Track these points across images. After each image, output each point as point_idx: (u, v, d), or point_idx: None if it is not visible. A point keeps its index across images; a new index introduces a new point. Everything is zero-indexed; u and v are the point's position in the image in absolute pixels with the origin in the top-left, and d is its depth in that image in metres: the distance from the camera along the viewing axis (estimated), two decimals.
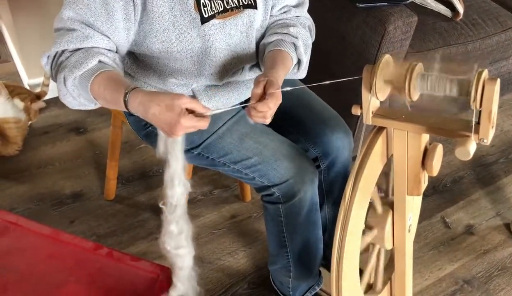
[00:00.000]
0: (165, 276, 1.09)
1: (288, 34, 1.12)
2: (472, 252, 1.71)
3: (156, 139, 1.22)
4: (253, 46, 1.16)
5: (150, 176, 1.83)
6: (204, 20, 1.04)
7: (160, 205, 0.95)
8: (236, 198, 1.79)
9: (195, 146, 1.19)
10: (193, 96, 1.17)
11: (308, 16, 1.23)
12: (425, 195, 1.89)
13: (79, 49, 0.96)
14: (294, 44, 1.11)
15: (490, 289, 1.60)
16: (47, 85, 1.92)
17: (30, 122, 1.88)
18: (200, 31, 1.05)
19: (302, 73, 1.23)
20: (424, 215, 1.80)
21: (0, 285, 1.04)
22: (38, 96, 1.88)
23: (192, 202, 1.73)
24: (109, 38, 0.99)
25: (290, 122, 1.28)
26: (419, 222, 1.71)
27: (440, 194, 1.92)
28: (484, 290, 1.60)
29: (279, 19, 1.19)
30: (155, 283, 1.08)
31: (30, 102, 1.82)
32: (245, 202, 1.78)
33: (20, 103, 1.79)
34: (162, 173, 1.72)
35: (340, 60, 1.72)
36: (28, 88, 1.97)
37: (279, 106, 1.27)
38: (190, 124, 0.85)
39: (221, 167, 1.20)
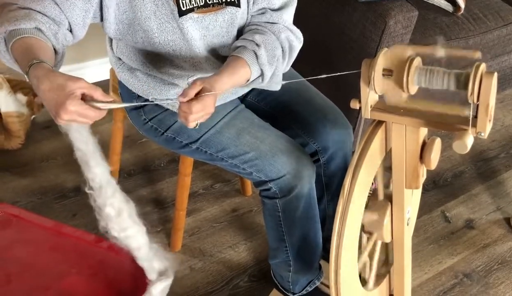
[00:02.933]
0: None
1: (253, 41, 1.06)
2: (472, 246, 1.72)
3: (157, 134, 1.23)
4: (233, 43, 1.14)
5: (152, 170, 1.84)
6: (181, 13, 1.04)
7: (87, 191, 0.90)
8: (237, 192, 1.80)
9: (193, 141, 1.20)
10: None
11: (291, 26, 1.15)
12: (425, 190, 1.90)
13: (27, 8, 0.92)
14: (255, 53, 1.05)
15: (490, 282, 1.61)
16: None
17: (33, 116, 1.89)
18: (178, 23, 1.05)
19: (274, 86, 1.15)
20: (424, 209, 1.80)
21: (4, 277, 1.06)
22: None
23: (194, 196, 1.74)
24: (62, 11, 0.96)
25: (290, 116, 1.28)
26: (419, 216, 1.71)
27: (440, 189, 1.92)
28: (484, 283, 1.60)
29: (252, 24, 1.14)
30: None
31: (33, 96, 1.83)
32: (246, 196, 1.79)
33: (22, 98, 1.81)
34: (164, 167, 1.73)
35: (340, 55, 1.72)
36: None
37: (279, 100, 1.29)
38: (76, 110, 0.77)
39: (219, 161, 1.21)
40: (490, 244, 1.73)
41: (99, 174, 0.89)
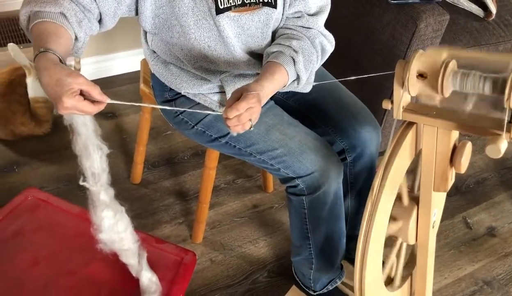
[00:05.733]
0: (189, 259, 1.11)
1: (290, 47, 1.08)
2: (493, 253, 1.71)
3: (187, 127, 1.25)
4: (267, 43, 1.16)
5: (176, 162, 1.87)
6: (219, 11, 1.06)
7: (81, 183, 0.89)
8: (258, 188, 1.81)
9: (223, 135, 1.21)
10: (221, 86, 1.19)
11: (324, 31, 1.17)
12: (448, 195, 1.87)
13: None
14: (293, 59, 1.07)
15: (511, 291, 1.59)
16: (79, 70, 1.96)
17: None
18: (215, 21, 1.07)
19: (306, 88, 1.19)
20: (446, 215, 1.79)
21: (32, 259, 1.08)
22: None
23: (216, 190, 1.76)
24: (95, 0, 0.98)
25: (319, 114, 1.29)
26: (441, 221, 1.71)
27: (462, 195, 1.91)
28: (504, 292, 1.59)
29: (287, 27, 1.15)
30: (179, 266, 1.10)
31: None
32: (267, 192, 1.80)
33: None
34: (187, 160, 1.74)
35: (369, 56, 1.72)
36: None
37: (307, 98, 1.30)
38: (72, 105, 0.78)
39: (247, 156, 1.22)
40: None
41: (98, 160, 0.89)
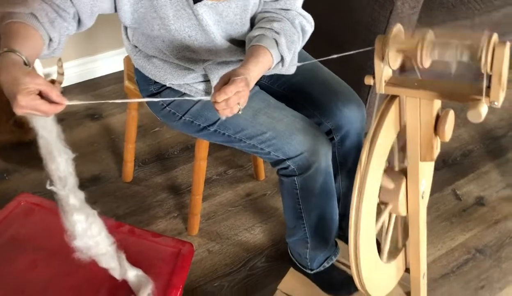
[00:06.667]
0: (187, 250, 1.12)
1: (271, 29, 1.09)
2: (483, 222, 1.75)
3: (175, 119, 1.26)
4: (247, 29, 1.17)
5: (166, 158, 1.88)
6: (196, 0, 1.07)
7: (48, 187, 0.87)
8: (250, 177, 1.83)
9: (211, 124, 1.23)
10: (205, 75, 1.20)
11: (303, 12, 1.18)
12: (436, 169, 1.91)
13: None
14: (276, 41, 1.08)
15: (502, 256, 1.64)
16: (62, 74, 1.96)
17: None
18: (193, 10, 1.07)
19: (290, 69, 1.21)
20: (435, 188, 1.82)
21: (31, 262, 1.08)
22: (53, 83, 1.92)
23: (208, 182, 1.78)
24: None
25: (303, 97, 1.31)
26: (431, 194, 1.74)
27: (450, 168, 1.95)
28: (496, 258, 1.63)
29: (266, 11, 1.16)
30: (177, 257, 1.11)
31: None
32: (259, 180, 1.82)
33: None
34: (177, 155, 1.75)
35: (349, 37, 1.74)
36: (43, 76, 2.01)
37: (292, 81, 1.31)
38: (27, 104, 0.77)
39: (237, 143, 1.24)
40: (501, 220, 1.76)
41: (63, 163, 0.87)
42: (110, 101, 0.96)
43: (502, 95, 0.91)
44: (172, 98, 1.21)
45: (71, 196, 0.89)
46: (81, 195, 0.91)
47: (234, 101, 0.92)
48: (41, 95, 0.79)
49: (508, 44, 0.86)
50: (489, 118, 2.15)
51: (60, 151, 0.87)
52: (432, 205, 1.78)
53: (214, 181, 1.81)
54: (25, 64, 0.83)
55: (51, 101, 0.80)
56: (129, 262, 1.05)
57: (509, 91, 2.48)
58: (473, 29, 1.82)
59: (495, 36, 0.86)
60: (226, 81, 0.94)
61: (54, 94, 0.80)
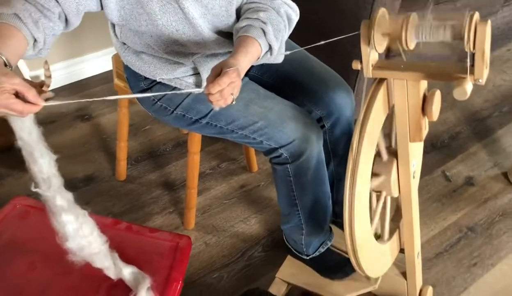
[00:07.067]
0: (185, 244, 1.13)
1: (258, 19, 1.10)
2: (474, 201, 1.78)
3: (166, 113, 1.27)
4: (233, 20, 1.18)
5: (159, 155, 1.89)
6: None
7: (33, 189, 0.87)
8: (243, 169, 1.85)
9: (203, 116, 1.24)
10: (195, 68, 1.21)
11: (288, 1, 1.19)
12: (425, 152, 1.95)
13: None
14: (263, 30, 1.09)
15: (493, 233, 1.67)
16: (49, 77, 1.95)
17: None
18: (179, 3, 1.08)
19: (278, 59, 1.22)
20: (425, 171, 1.86)
21: (29, 264, 1.08)
22: (41, 86, 1.92)
23: (202, 176, 1.79)
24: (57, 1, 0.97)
25: (293, 86, 1.32)
26: (421, 177, 1.78)
27: (439, 150, 1.98)
28: (487, 235, 1.67)
29: (251, 1, 1.17)
30: (176, 251, 1.12)
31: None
32: (252, 172, 1.84)
33: None
34: (170, 151, 1.76)
35: (334, 26, 1.76)
36: (30, 80, 2.01)
37: (280, 71, 1.33)
38: (1, 103, 0.77)
39: (229, 134, 1.25)
40: (491, 198, 1.80)
41: (46, 164, 0.86)
42: (91, 100, 0.95)
43: (485, 73, 0.93)
44: (163, 93, 1.22)
45: (57, 197, 0.88)
46: (69, 195, 0.90)
47: (228, 92, 0.93)
48: (18, 96, 0.79)
49: (489, 22, 0.88)
50: (474, 100, 2.19)
51: (41, 153, 0.86)
52: (423, 187, 1.81)
53: (207, 175, 1.82)
54: (6, 65, 0.83)
55: (27, 102, 0.79)
56: (128, 258, 1.06)
57: (490, 72, 2.54)
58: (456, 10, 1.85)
59: (476, 15, 0.89)
60: (218, 72, 0.95)
61: (31, 94, 0.79)
